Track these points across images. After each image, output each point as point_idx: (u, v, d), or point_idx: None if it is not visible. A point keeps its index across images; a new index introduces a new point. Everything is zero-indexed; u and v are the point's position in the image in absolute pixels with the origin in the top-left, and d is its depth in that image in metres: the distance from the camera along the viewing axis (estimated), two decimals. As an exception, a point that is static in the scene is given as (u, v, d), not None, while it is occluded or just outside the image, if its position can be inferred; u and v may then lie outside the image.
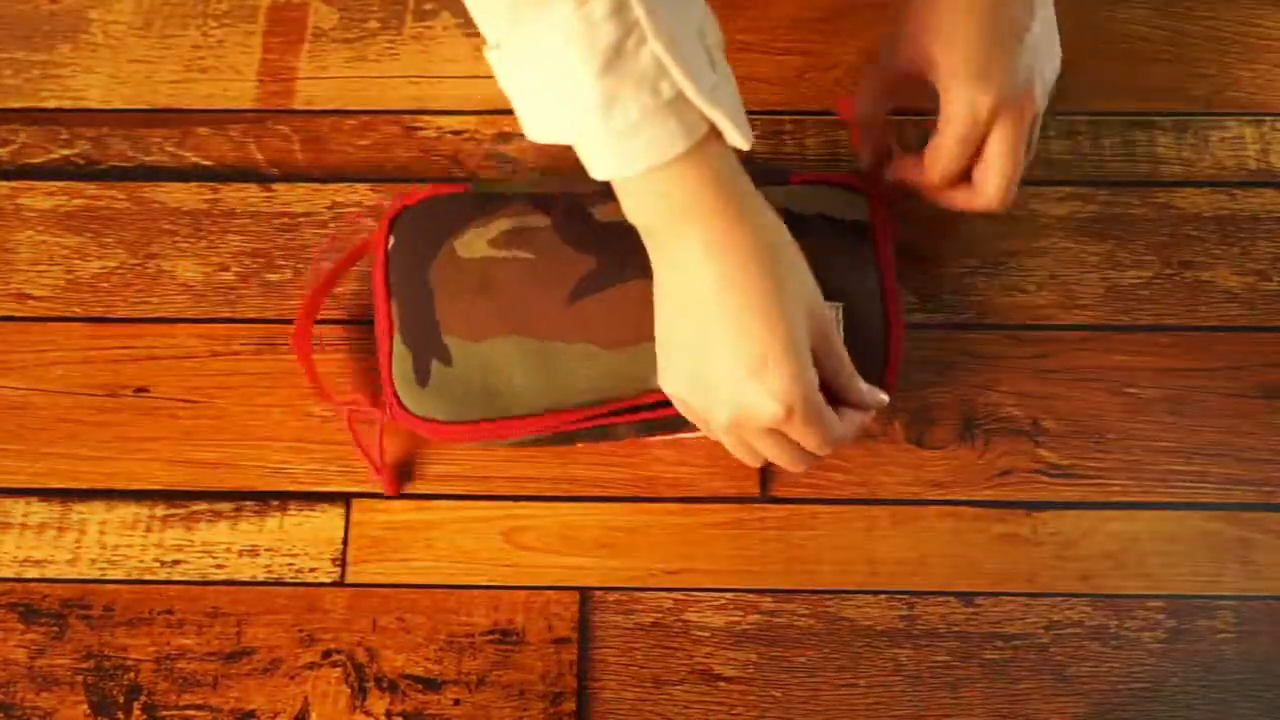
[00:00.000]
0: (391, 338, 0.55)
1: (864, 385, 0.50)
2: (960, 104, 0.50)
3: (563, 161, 0.63)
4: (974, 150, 0.52)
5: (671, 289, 0.48)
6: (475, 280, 0.55)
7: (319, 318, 0.59)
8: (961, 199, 0.55)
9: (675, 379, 0.49)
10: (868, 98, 0.56)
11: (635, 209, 0.47)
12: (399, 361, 0.55)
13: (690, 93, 0.42)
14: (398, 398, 0.54)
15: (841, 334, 0.53)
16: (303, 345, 0.58)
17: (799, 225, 0.54)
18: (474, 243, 0.55)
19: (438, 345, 0.54)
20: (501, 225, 0.56)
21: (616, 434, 0.56)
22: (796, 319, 0.46)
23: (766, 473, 0.58)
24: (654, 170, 0.43)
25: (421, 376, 0.54)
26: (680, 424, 0.54)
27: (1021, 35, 0.51)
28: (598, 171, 0.44)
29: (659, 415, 0.53)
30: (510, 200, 0.57)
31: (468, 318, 0.54)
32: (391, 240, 0.57)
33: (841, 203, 0.57)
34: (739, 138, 0.44)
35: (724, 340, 0.46)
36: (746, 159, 0.47)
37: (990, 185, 0.53)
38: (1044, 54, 0.53)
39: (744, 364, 0.45)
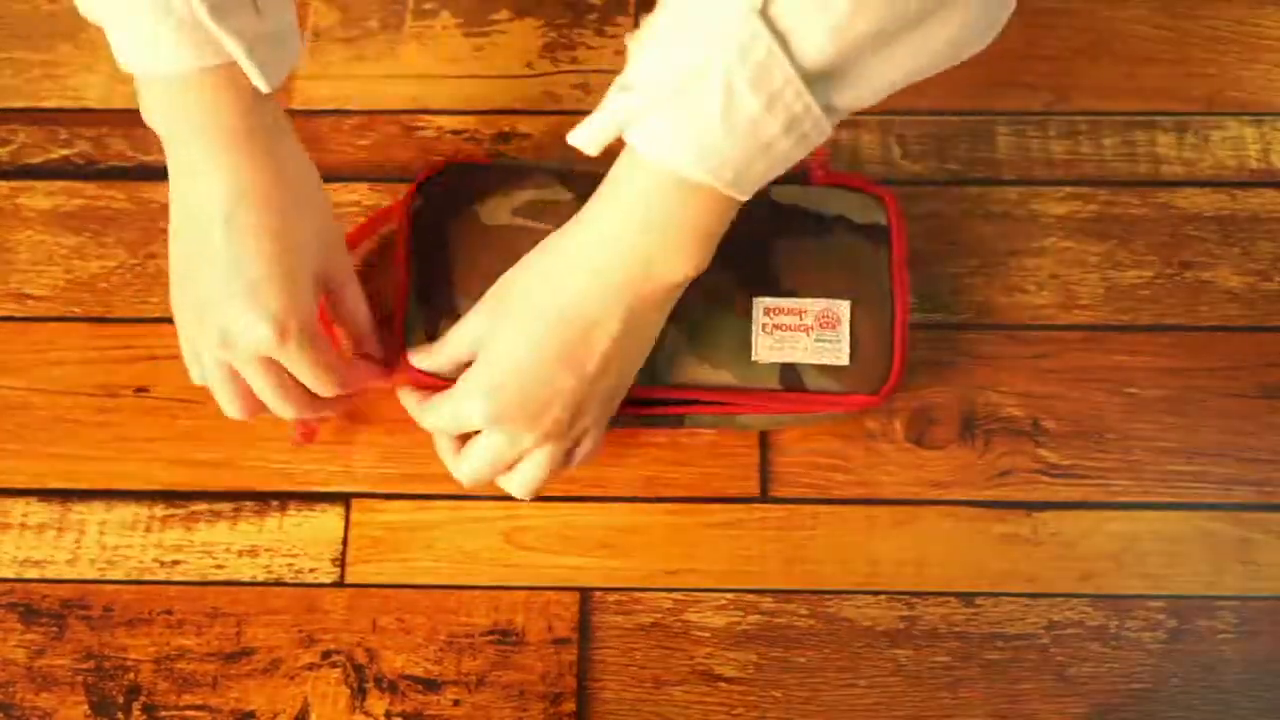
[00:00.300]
0: (407, 295, 0.56)
1: (373, 332, 0.54)
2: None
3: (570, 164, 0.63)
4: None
5: (184, 200, 0.49)
6: (495, 246, 0.55)
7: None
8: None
9: (176, 296, 0.50)
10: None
11: (153, 110, 0.48)
12: (412, 318, 0.55)
13: (201, 14, 0.43)
14: (407, 354, 0.54)
15: (848, 332, 0.53)
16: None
17: (819, 225, 0.55)
18: (497, 210, 0.56)
19: (451, 306, 0.55)
20: (525, 196, 0.57)
21: (615, 420, 0.56)
22: (305, 250, 0.48)
23: (766, 473, 0.58)
24: (174, 79, 0.45)
25: (432, 335, 0.54)
26: (678, 421, 0.54)
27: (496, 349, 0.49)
28: (123, 61, 0.46)
29: (656, 412, 0.54)
30: (535, 172, 0.58)
31: (483, 281, 0.54)
32: (418, 201, 0.58)
33: (859, 205, 0.57)
34: (256, 75, 0.45)
35: (226, 257, 0.47)
36: None
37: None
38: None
39: (241, 282, 0.47)
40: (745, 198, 0.43)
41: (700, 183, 0.42)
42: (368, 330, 0.55)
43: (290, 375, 0.50)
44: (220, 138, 0.46)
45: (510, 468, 0.52)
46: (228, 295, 0.47)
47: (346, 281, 0.53)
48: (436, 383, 0.53)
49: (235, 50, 0.44)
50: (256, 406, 0.52)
